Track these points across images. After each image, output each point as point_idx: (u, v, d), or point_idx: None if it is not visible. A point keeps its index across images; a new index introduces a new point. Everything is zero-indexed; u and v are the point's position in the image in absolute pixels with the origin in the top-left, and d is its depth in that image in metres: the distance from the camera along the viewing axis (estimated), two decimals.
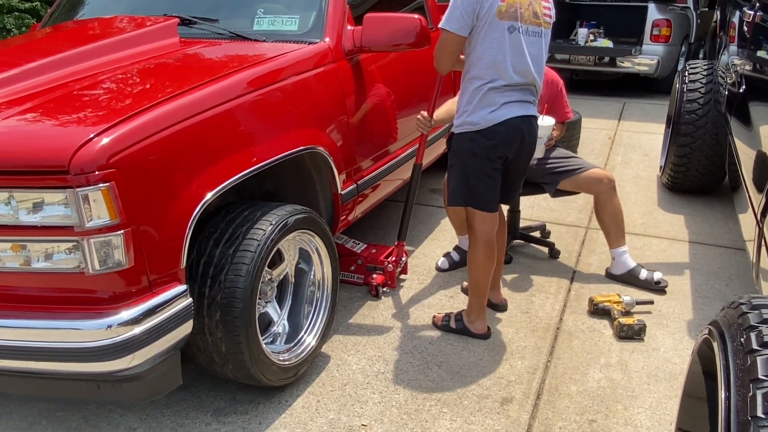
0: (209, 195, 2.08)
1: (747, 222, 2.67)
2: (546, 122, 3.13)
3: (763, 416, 1.11)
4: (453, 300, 3.18)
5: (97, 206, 1.75)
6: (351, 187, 2.90)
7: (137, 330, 1.83)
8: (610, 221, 3.33)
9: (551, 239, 3.76)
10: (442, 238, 3.87)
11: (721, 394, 1.26)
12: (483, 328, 2.85)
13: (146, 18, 2.87)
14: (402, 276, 3.35)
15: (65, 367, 1.85)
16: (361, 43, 2.85)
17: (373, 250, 3.29)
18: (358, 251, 3.28)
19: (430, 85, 3.62)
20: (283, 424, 2.31)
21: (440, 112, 3.07)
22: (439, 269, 3.50)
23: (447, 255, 3.57)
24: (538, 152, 3.09)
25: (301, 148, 2.50)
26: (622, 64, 7.85)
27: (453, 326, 2.88)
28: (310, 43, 2.75)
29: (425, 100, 3.63)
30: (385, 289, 3.21)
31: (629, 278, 3.31)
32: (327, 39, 2.79)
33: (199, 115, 2.08)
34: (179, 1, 3.07)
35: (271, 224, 2.25)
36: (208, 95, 2.16)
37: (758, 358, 1.22)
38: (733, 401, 1.21)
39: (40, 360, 1.84)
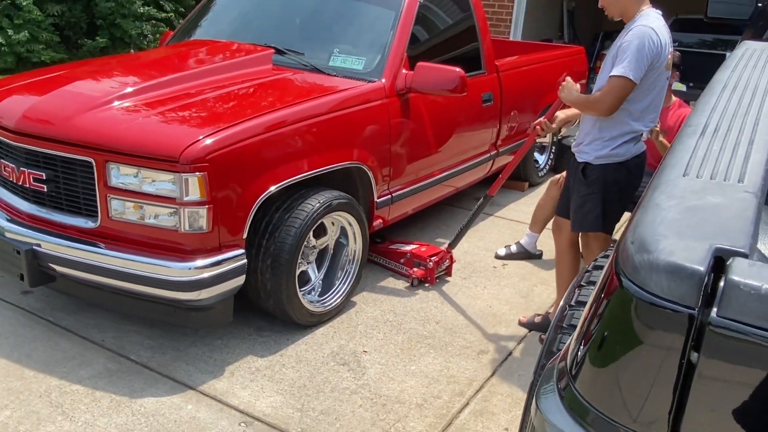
0: (272, 188, 2.89)
1: None
2: None
3: (574, 304, 1.69)
4: (466, 281, 3.89)
5: (193, 187, 2.58)
6: (386, 197, 3.64)
7: (207, 274, 2.66)
8: None
9: None
10: (474, 237, 4.52)
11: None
12: None
13: (250, 45, 3.73)
14: (446, 278, 3.92)
15: (155, 291, 2.70)
16: (411, 85, 3.59)
17: (423, 248, 3.96)
18: (408, 249, 3.95)
19: (466, 123, 4.33)
20: (305, 341, 3.13)
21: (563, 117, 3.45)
22: (498, 256, 4.25)
23: (508, 246, 4.31)
24: None
25: (348, 163, 3.27)
26: None
27: None
28: (370, 81, 3.52)
29: (462, 133, 4.33)
30: (426, 284, 3.79)
31: None
32: (383, 80, 3.55)
33: (276, 130, 2.89)
34: (277, 34, 3.91)
35: (319, 202, 3.04)
36: (285, 116, 2.97)
37: (585, 275, 1.85)
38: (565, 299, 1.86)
39: (139, 284, 2.70)
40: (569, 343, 0.94)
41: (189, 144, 2.59)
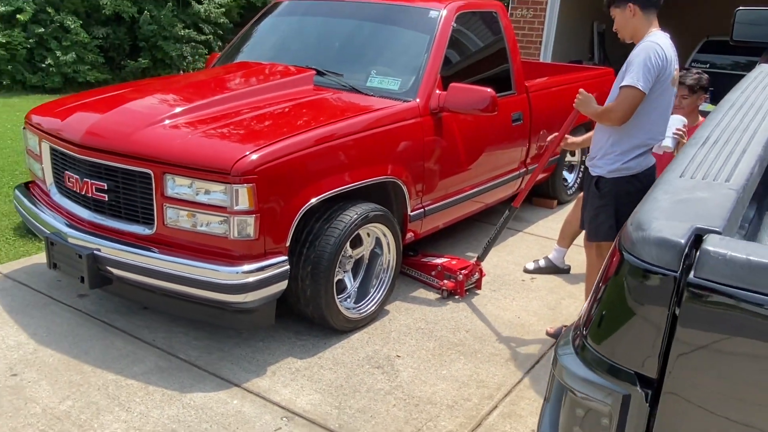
0: (314, 200, 3.08)
1: None
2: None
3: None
4: (496, 293, 4.02)
5: (243, 197, 2.79)
6: (419, 211, 3.82)
7: (252, 278, 2.86)
8: None
9: None
10: (504, 251, 4.68)
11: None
12: None
13: (293, 67, 3.96)
14: (476, 291, 4.07)
15: (204, 294, 2.90)
16: (444, 104, 3.78)
17: (453, 262, 4.12)
18: (439, 262, 4.10)
19: (497, 141, 4.50)
20: (341, 345, 3.31)
21: (580, 140, 3.68)
22: (526, 270, 4.38)
23: (536, 261, 4.43)
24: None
25: (384, 177, 3.46)
26: None
27: None
28: (405, 101, 3.71)
29: (492, 151, 4.49)
30: (456, 296, 3.95)
31: None
32: (418, 99, 3.74)
33: (318, 146, 3.10)
34: (317, 56, 4.15)
35: (357, 214, 3.24)
36: (326, 132, 3.18)
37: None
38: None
39: (191, 287, 2.90)
40: (583, 313, 1.10)
41: (239, 158, 2.80)
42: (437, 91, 3.83)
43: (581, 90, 3.24)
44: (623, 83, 2.95)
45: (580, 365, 0.97)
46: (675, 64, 3.03)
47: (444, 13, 4.10)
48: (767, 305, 0.80)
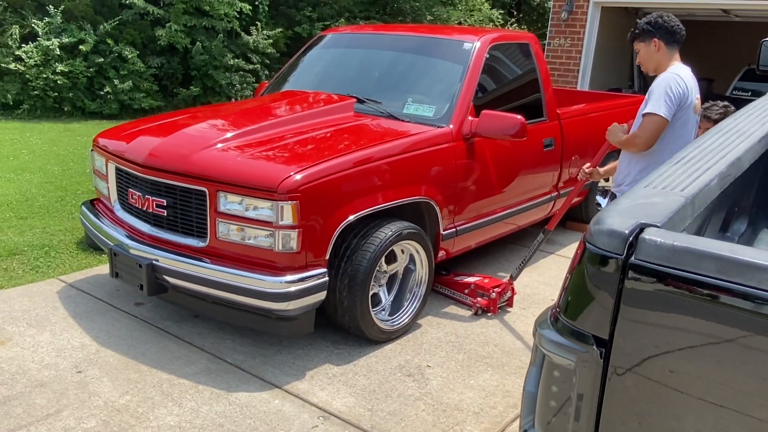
0: (352, 217, 3.34)
1: None
2: None
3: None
4: (525, 311, 4.13)
5: (287, 213, 3.06)
6: (451, 231, 4.04)
7: (294, 288, 3.11)
8: None
9: None
10: (534, 272, 4.86)
11: None
12: None
13: (335, 95, 4.26)
14: (508, 308, 4.25)
15: (251, 301, 3.17)
16: (476, 130, 4.01)
17: (485, 280, 4.31)
18: (471, 281, 4.30)
19: (528, 166, 4.70)
20: (375, 354, 3.53)
21: (606, 169, 3.85)
22: None
23: None
24: None
25: (417, 198, 3.70)
26: None
27: None
28: (439, 127, 3.96)
29: (523, 175, 4.69)
30: (489, 313, 4.14)
31: None
32: (451, 125, 3.99)
33: (357, 168, 3.36)
34: (357, 85, 4.44)
35: (391, 231, 3.48)
36: (364, 155, 3.44)
37: None
38: None
39: (238, 294, 3.17)
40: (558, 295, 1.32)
41: (285, 177, 3.09)
42: (470, 118, 4.06)
43: (615, 123, 3.45)
44: (645, 111, 3.15)
45: (553, 333, 1.19)
46: (696, 93, 3.22)
47: (477, 45, 4.36)
48: (688, 280, 1.02)
